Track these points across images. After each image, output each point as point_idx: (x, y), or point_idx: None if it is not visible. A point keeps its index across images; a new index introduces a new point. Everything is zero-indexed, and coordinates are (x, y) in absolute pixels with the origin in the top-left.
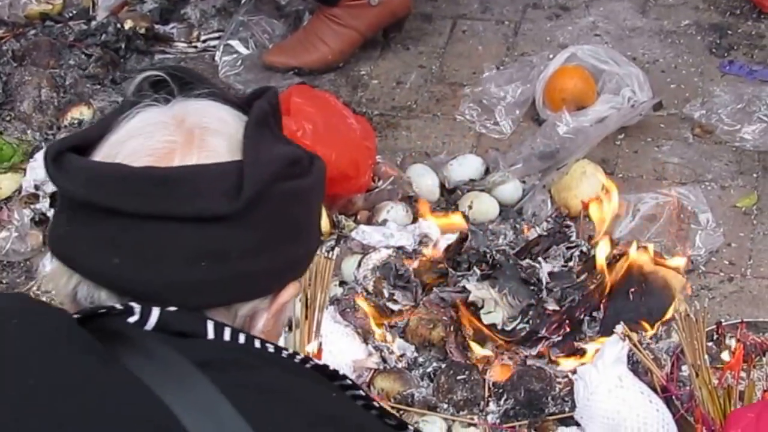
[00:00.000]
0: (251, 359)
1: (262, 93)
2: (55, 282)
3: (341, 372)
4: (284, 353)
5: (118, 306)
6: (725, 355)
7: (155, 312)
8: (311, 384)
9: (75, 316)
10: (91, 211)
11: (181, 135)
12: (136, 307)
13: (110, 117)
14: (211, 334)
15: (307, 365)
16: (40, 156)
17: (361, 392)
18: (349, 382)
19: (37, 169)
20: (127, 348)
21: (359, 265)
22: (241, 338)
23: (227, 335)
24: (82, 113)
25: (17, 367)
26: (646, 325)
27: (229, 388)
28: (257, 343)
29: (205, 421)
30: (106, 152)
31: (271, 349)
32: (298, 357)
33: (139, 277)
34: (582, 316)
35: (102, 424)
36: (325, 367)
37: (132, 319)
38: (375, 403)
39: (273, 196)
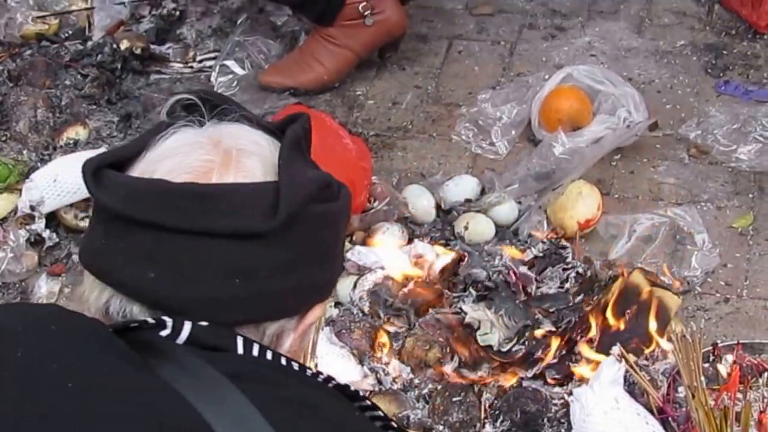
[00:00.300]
0: (279, 375)
1: (296, 118)
2: (86, 297)
3: (361, 393)
4: (308, 371)
5: (150, 320)
6: (722, 369)
7: (187, 326)
8: (335, 402)
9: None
10: (129, 225)
11: (218, 155)
12: (168, 321)
13: (146, 136)
14: (240, 350)
15: (330, 384)
16: (35, 176)
17: (380, 413)
18: (368, 403)
19: (32, 190)
20: (159, 359)
21: (355, 286)
22: (269, 355)
23: (256, 351)
24: (78, 133)
25: (57, 370)
26: (642, 347)
27: (259, 400)
28: (283, 360)
29: (236, 430)
30: (143, 169)
31: (295, 366)
32: (321, 376)
33: (174, 291)
34: (578, 338)
35: (136, 428)
36: (347, 387)
37: (164, 333)
38: (393, 424)
39: (306, 217)
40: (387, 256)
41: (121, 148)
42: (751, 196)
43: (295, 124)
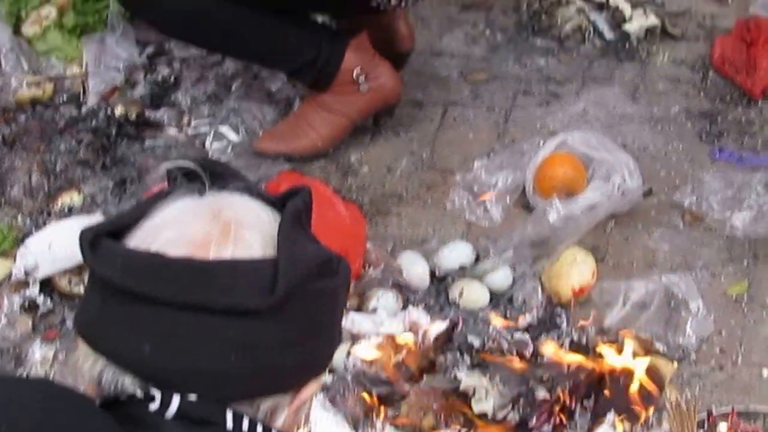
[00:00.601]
0: None
1: (297, 192)
2: (80, 365)
3: None
4: None
5: (139, 394)
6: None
7: (175, 400)
8: None
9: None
10: (125, 296)
11: (216, 227)
12: (157, 394)
13: (145, 204)
14: (230, 424)
15: None
16: (30, 242)
17: None
18: None
19: (27, 256)
20: None
21: (349, 353)
22: (259, 429)
23: (245, 426)
24: (72, 199)
25: None
26: (637, 414)
27: None
28: None
29: None
30: (141, 238)
31: None
32: None
33: (168, 364)
34: (573, 405)
35: None
36: None
37: (153, 407)
38: None
39: (305, 293)
40: (381, 323)
41: (120, 216)
42: (745, 262)
43: (296, 197)
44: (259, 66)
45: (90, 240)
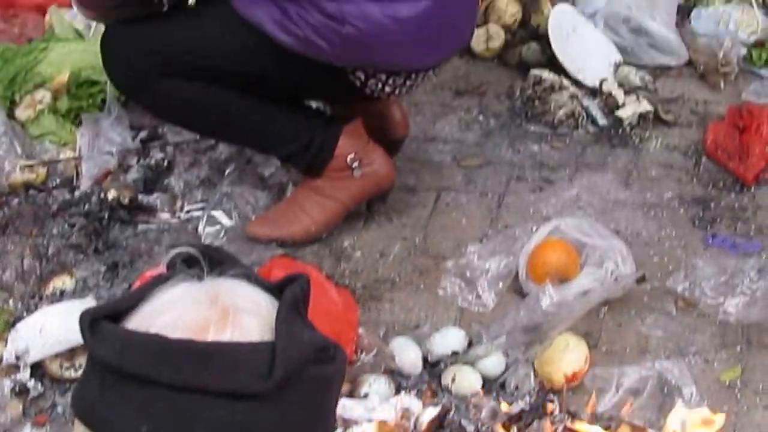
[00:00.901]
0: None
1: (295, 279)
2: None
3: None
4: None
5: None
6: None
7: None
8: None
9: None
10: (124, 377)
11: (215, 312)
12: None
13: (144, 288)
14: None
15: None
16: (21, 326)
17: None
18: None
19: (18, 340)
20: None
21: None
22: None
23: None
24: (64, 283)
25: None
26: None
27: None
28: None
29: None
30: (139, 322)
31: None
32: None
33: None
34: None
35: None
36: None
37: None
38: None
39: (302, 379)
40: (373, 409)
41: (119, 299)
42: (739, 348)
43: (294, 284)
44: (253, 151)
45: (89, 322)
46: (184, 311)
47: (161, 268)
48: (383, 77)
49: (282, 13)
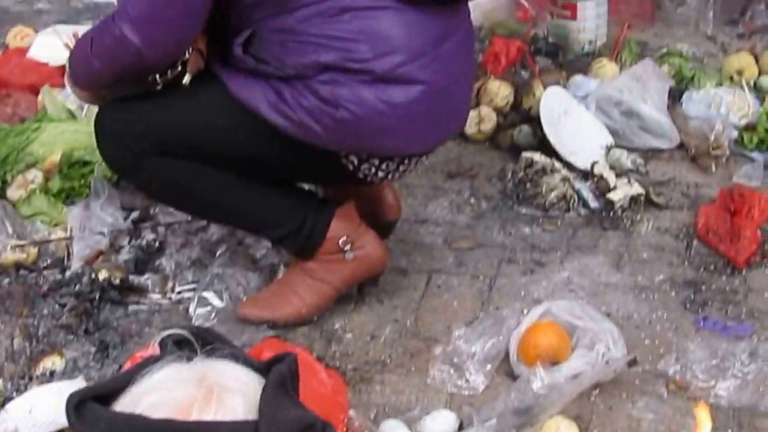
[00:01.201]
0: None
1: (283, 358)
2: None
3: None
4: None
5: None
6: None
7: None
8: None
9: None
10: None
11: (201, 392)
12: None
13: (134, 370)
14: None
15: None
16: (10, 406)
17: None
18: None
19: (7, 420)
20: None
21: None
22: None
23: None
24: (54, 363)
25: None
26: None
27: None
28: None
29: None
30: (126, 403)
31: None
32: None
33: None
34: None
35: None
36: None
37: None
38: None
39: None
40: None
41: (108, 381)
42: (730, 431)
43: (281, 363)
44: (245, 232)
45: (75, 404)
46: (170, 391)
47: (152, 350)
48: (376, 162)
49: (277, 96)
